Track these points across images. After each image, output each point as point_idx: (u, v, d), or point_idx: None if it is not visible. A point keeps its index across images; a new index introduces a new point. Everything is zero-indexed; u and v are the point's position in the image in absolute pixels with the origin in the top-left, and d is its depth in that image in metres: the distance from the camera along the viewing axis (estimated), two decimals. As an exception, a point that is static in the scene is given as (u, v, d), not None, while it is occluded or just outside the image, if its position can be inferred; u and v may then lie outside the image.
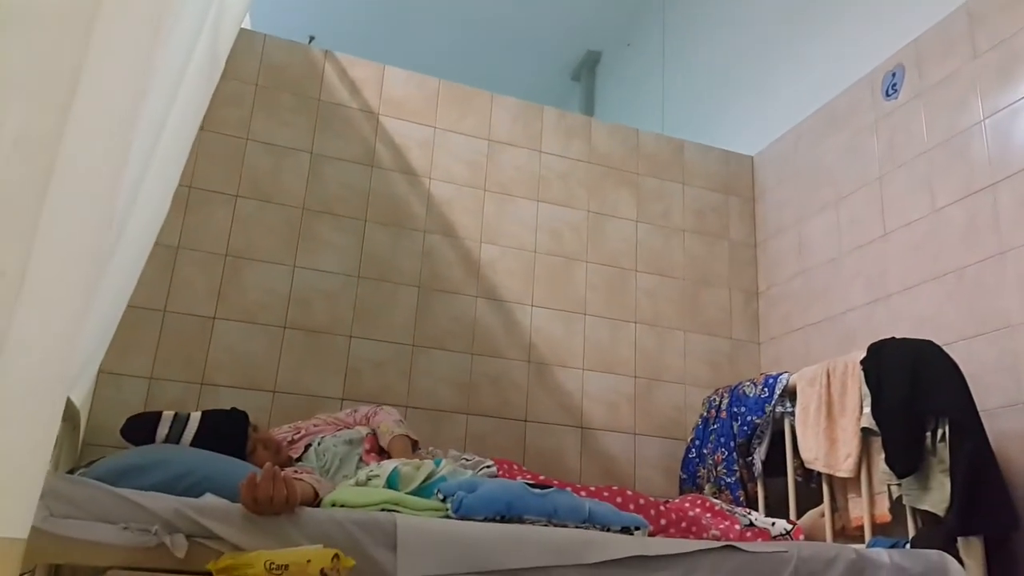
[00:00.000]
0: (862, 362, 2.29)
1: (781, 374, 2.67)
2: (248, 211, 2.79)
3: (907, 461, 2.06)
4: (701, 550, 1.62)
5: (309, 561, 1.24)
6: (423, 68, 3.24)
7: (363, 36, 5.02)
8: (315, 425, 2.23)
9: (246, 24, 3.12)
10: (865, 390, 2.26)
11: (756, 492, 2.67)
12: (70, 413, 2.14)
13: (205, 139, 2.77)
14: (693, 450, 2.93)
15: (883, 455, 2.15)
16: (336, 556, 1.26)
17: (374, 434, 2.20)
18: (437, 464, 1.77)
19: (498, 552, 1.47)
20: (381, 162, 3.01)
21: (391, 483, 1.68)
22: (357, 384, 2.75)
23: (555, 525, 1.61)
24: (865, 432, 2.24)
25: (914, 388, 2.11)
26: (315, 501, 1.56)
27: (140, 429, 1.90)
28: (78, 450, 2.29)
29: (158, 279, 2.61)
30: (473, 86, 3.26)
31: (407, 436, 2.24)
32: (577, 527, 1.62)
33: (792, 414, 2.57)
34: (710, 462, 2.82)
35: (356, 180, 2.96)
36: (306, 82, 3.00)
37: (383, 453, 2.16)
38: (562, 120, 3.36)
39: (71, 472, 2.10)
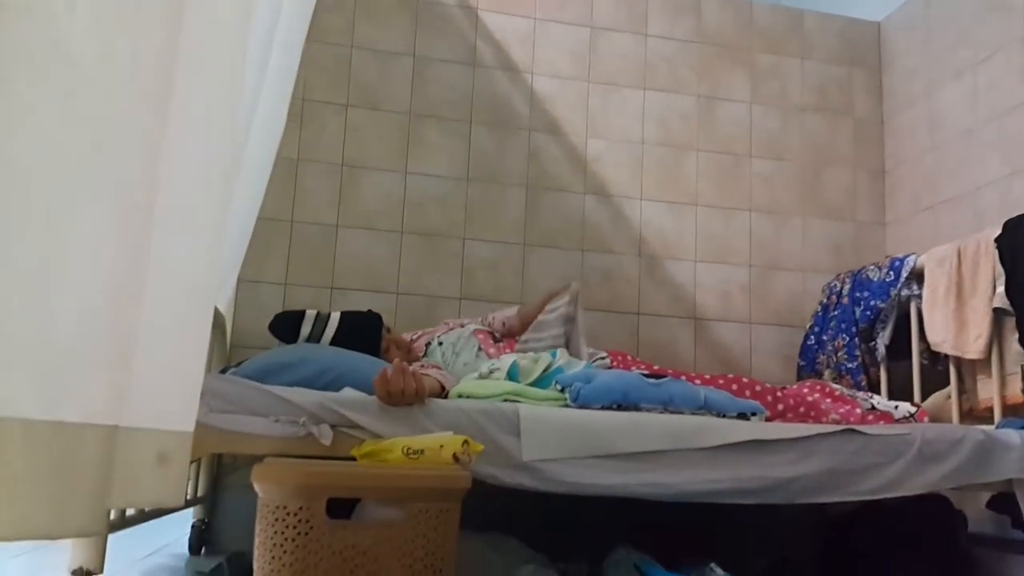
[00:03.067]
0: (996, 239, 2.18)
1: (908, 256, 2.58)
2: (359, 120, 2.88)
3: (1044, 341, 1.97)
4: (819, 434, 1.64)
5: (442, 447, 1.36)
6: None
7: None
8: (430, 330, 2.37)
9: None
10: (999, 269, 2.16)
11: (879, 377, 2.64)
12: (217, 319, 2.37)
13: (311, 50, 2.84)
14: (812, 337, 2.90)
15: (1016, 335, 2.07)
16: (466, 442, 1.37)
17: (486, 329, 2.31)
18: (553, 356, 1.85)
19: (615, 437, 1.55)
20: (483, 60, 3.01)
21: (511, 376, 1.77)
22: (473, 284, 2.86)
23: (671, 413, 1.67)
24: (998, 312, 2.16)
25: (1055, 265, 2.00)
26: (442, 394, 1.67)
27: (286, 325, 2.07)
28: (227, 352, 2.53)
29: (283, 191, 2.76)
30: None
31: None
32: (693, 414, 1.68)
33: (919, 297, 2.49)
34: (830, 348, 2.79)
35: (459, 81, 2.98)
36: (403, -19, 3.00)
37: (498, 342, 2.27)
38: (668, -2, 3.22)
39: (223, 372, 2.34)
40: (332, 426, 1.46)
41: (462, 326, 2.34)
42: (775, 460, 1.60)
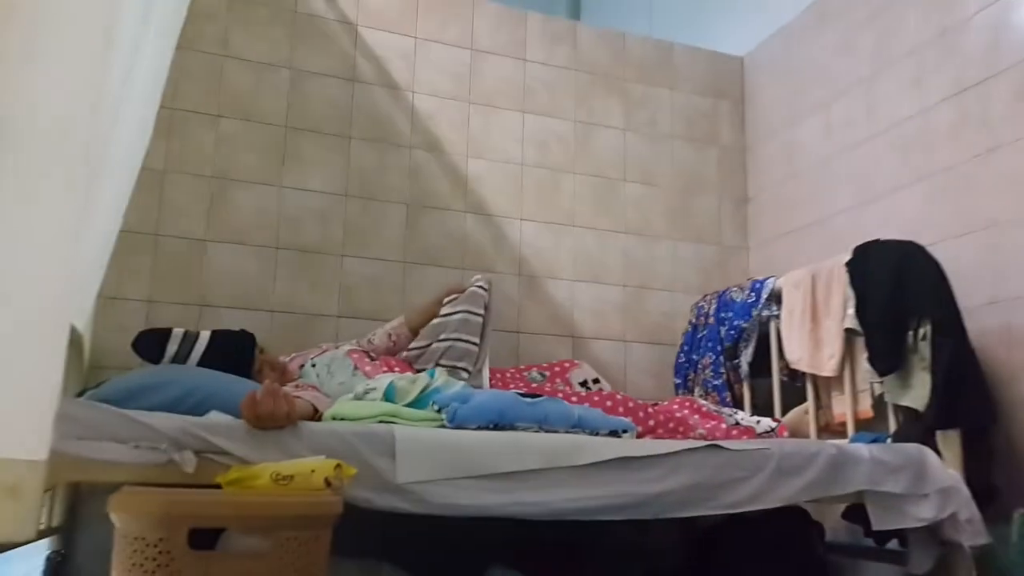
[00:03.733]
0: (847, 264, 2.35)
1: (768, 278, 2.74)
2: (231, 131, 2.79)
3: (889, 359, 2.14)
4: (685, 449, 1.71)
5: (313, 471, 1.32)
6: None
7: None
8: (304, 353, 2.31)
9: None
10: (849, 292, 2.32)
11: (742, 393, 2.78)
12: (74, 338, 2.21)
13: (182, 57, 2.72)
14: (683, 355, 3.03)
15: (866, 354, 2.24)
16: (338, 466, 1.34)
17: (360, 349, 2.28)
18: (431, 376, 1.85)
19: (491, 457, 1.56)
20: (363, 76, 2.99)
21: (388, 397, 1.76)
22: (352, 302, 2.81)
23: (546, 431, 1.70)
24: (849, 333, 2.32)
25: (897, 289, 2.17)
26: (315, 417, 1.63)
27: (150, 343, 1.97)
28: (84, 373, 2.37)
29: (148, 203, 2.63)
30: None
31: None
32: (567, 431, 1.71)
33: (778, 317, 2.65)
34: (699, 367, 2.92)
35: (338, 96, 2.94)
36: (281, -7, 2.94)
37: (373, 360, 2.24)
38: (547, 25, 3.31)
39: (80, 395, 2.19)
40: (196, 452, 1.40)
41: (336, 347, 2.30)
42: (643, 476, 1.65)
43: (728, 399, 2.80)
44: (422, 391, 1.78)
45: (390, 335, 2.39)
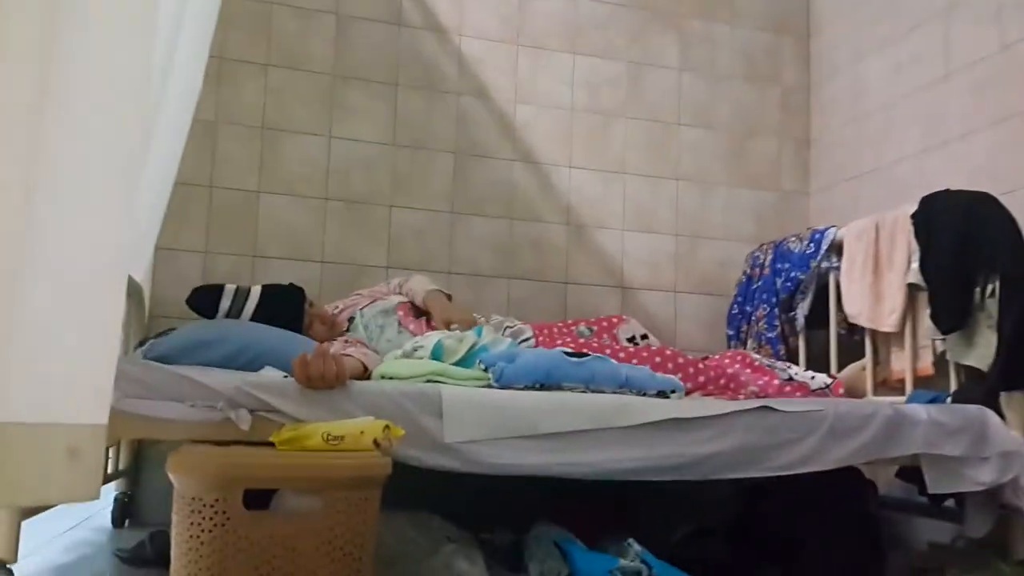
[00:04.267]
0: (913, 215, 2.26)
1: (828, 228, 2.66)
2: (279, 81, 2.79)
3: (953, 316, 2.08)
4: (735, 411, 1.70)
5: (362, 432, 1.36)
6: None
7: None
8: (352, 300, 2.34)
9: None
10: (914, 244, 2.25)
11: (797, 346, 2.74)
12: (134, 289, 2.29)
13: (228, 4, 2.71)
14: (736, 306, 2.98)
15: (929, 310, 2.18)
16: (387, 427, 1.38)
17: (408, 302, 2.30)
18: (478, 334, 1.86)
19: (537, 417, 1.58)
20: (409, 20, 2.94)
21: (435, 355, 1.78)
22: (400, 252, 2.83)
23: (593, 391, 1.71)
24: (912, 287, 2.26)
25: (966, 242, 2.09)
26: (364, 374, 1.67)
27: (205, 299, 2.03)
28: (145, 323, 2.46)
29: (201, 155, 2.67)
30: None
31: (440, 291, 2.34)
32: (614, 392, 1.72)
33: (838, 269, 2.58)
34: (753, 318, 2.88)
35: (384, 41, 2.91)
36: (325, -66, 2.89)
37: (420, 315, 2.27)
38: (600, -40, 3.19)
39: (140, 344, 2.28)
40: (251, 410, 1.45)
41: (384, 298, 2.32)
42: (692, 438, 1.65)
43: (782, 352, 2.76)
44: (469, 349, 1.79)
45: (408, 296, 2.39)
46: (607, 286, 3.04)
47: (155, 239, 2.34)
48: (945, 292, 2.11)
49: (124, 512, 2.31)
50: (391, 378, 1.64)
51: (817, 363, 2.65)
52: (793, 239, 2.78)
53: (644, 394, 1.74)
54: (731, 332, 3.00)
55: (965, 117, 2.56)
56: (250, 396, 1.44)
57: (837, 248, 2.60)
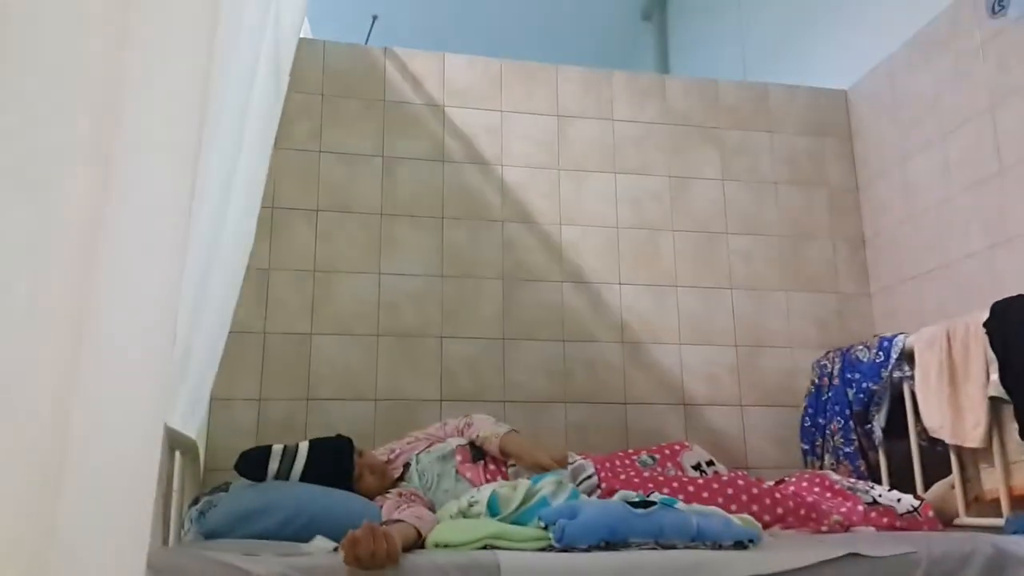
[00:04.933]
0: (985, 324, 2.10)
1: (896, 336, 2.50)
2: (329, 224, 2.82)
3: (1045, 433, 1.89)
4: (821, 561, 1.53)
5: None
6: (486, 39, 3.14)
7: (420, 23, 4.88)
8: (408, 443, 2.26)
9: (305, 32, 3.10)
10: (991, 355, 2.08)
11: (878, 461, 2.55)
12: (188, 445, 2.25)
13: (279, 157, 2.78)
14: (807, 419, 2.80)
15: (1016, 424, 1.99)
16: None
17: (466, 445, 2.20)
18: (535, 483, 1.75)
19: (605, 584, 1.44)
20: (451, 155, 2.97)
21: (491, 507, 1.67)
22: (453, 384, 2.76)
23: (662, 547, 1.57)
24: (994, 401, 2.07)
25: (1048, 350, 1.92)
26: (418, 541, 1.56)
27: (253, 463, 1.96)
28: (200, 478, 2.41)
29: (254, 302, 2.68)
30: (540, 44, 3.15)
31: (513, 430, 2.23)
32: (686, 547, 1.57)
33: (911, 379, 2.41)
34: (827, 432, 2.70)
35: (429, 177, 2.93)
36: (369, 84, 2.97)
37: (477, 461, 2.16)
38: (633, 82, 3.20)
39: (195, 502, 2.22)
40: (299, 597, 1.35)
41: (442, 440, 2.23)
42: (776, 595, 1.49)
43: (862, 468, 2.57)
44: (524, 499, 1.68)
45: (462, 432, 2.30)
46: (668, 404, 2.90)
47: (210, 388, 2.31)
48: (1034, 406, 1.92)
49: None
50: (446, 546, 1.53)
51: (900, 477, 2.46)
52: (861, 348, 2.62)
53: (719, 546, 1.59)
54: (806, 447, 2.81)
55: (1028, 212, 2.42)
56: (298, 582, 1.35)
57: (908, 356, 2.44)
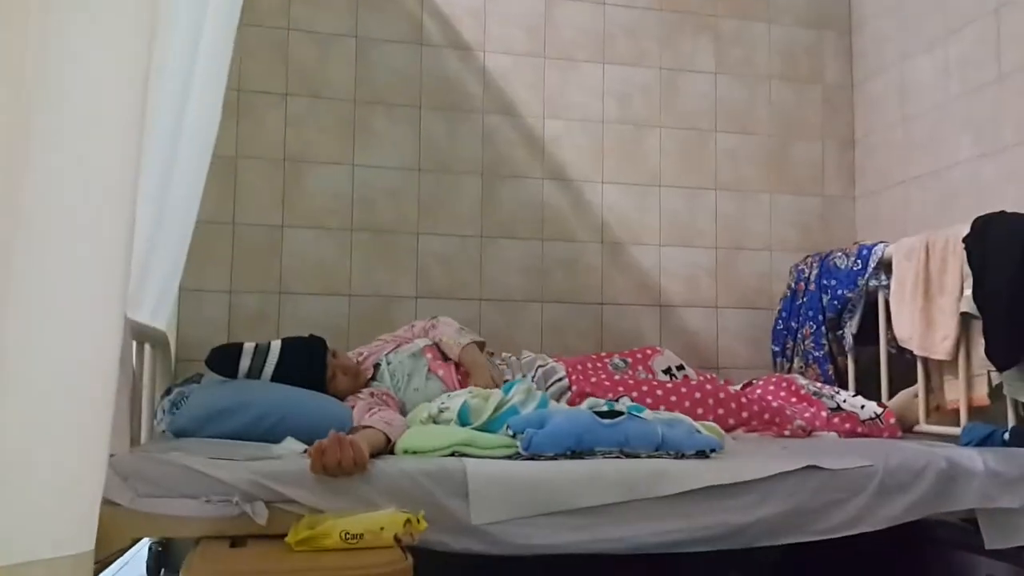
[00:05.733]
0: (965, 239, 2.12)
1: (876, 245, 2.52)
2: (300, 110, 2.74)
3: (1011, 353, 1.94)
4: (779, 473, 1.60)
5: (382, 528, 1.30)
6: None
7: None
8: (376, 346, 2.29)
9: None
10: (967, 270, 2.10)
11: (846, 366, 2.62)
12: (158, 337, 2.27)
13: (245, 34, 2.65)
14: (780, 322, 2.87)
15: (983, 340, 2.04)
16: (408, 520, 1.32)
17: (434, 345, 2.24)
18: (506, 392, 1.79)
19: (569, 492, 1.50)
20: (430, 38, 2.86)
21: (462, 416, 1.72)
22: (428, 281, 2.78)
23: (627, 455, 1.63)
24: (965, 316, 2.12)
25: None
26: (388, 447, 1.61)
27: (224, 360, 1.99)
28: (172, 370, 2.44)
29: (222, 192, 2.63)
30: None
31: (474, 342, 2.27)
32: (650, 456, 1.63)
33: (887, 287, 2.45)
34: (799, 336, 2.76)
35: (406, 63, 2.83)
36: (341, -45, 2.80)
37: (448, 360, 2.21)
38: (627, -38, 3.06)
39: (167, 392, 2.26)
40: (267, 502, 1.40)
41: (410, 341, 2.27)
42: (733, 504, 1.57)
43: (830, 372, 2.66)
44: (496, 409, 1.73)
45: (427, 332, 2.33)
46: (644, 305, 2.94)
47: (178, 279, 2.30)
48: (1001, 326, 1.97)
49: (159, 563, 2.30)
50: (414, 452, 1.58)
51: (867, 382, 2.55)
52: (839, 254, 2.65)
53: (682, 455, 1.66)
54: (776, 349, 2.88)
55: (1021, 123, 2.39)
56: (266, 488, 1.40)
57: (886, 266, 2.47)
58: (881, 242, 2.53)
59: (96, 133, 1.04)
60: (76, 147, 1.01)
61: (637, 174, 2.98)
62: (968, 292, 2.09)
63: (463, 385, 2.09)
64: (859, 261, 2.55)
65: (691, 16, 3.08)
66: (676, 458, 1.64)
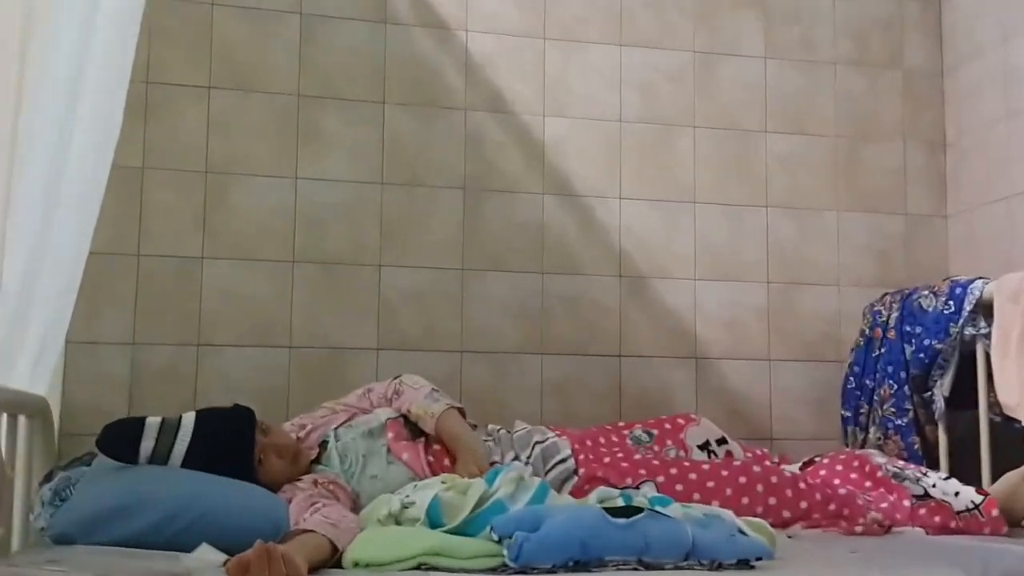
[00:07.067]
0: (1088, 276, 2.14)
1: (973, 282, 2.58)
2: (226, 107, 2.78)
3: None
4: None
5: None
6: None
7: None
8: (323, 417, 2.29)
9: None
10: (1091, 317, 2.13)
11: (936, 438, 2.66)
12: (36, 405, 2.27)
13: (156, 9, 2.67)
14: (852, 380, 2.91)
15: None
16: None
17: (399, 417, 2.24)
18: (490, 482, 1.79)
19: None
20: (397, 15, 2.92)
21: (432, 515, 1.71)
22: (393, 327, 2.81)
23: (646, 566, 1.62)
24: (1089, 377, 2.14)
25: None
26: (334, 557, 1.61)
27: (120, 443, 1.98)
28: (55, 447, 2.44)
29: (125, 214, 2.65)
30: None
31: (453, 407, 2.28)
32: (677, 568, 1.63)
33: (987, 337, 2.49)
34: (876, 398, 2.80)
35: (365, 45, 2.88)
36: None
37: (417, 438, 2.20)
38: (651, -80, 3.13)
39: (48, 477, 2.25)
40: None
41: (367, 412, 2.27)
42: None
43: (916, 446, 2.70)
44: (477, 505, 1.72)
45: (391, 401, 2.35)
46: (675, 357, 2.98)
47: (64, 330, 2.30)
48: None
49: None
50: (367, 565, 1.58)
51: (962, 460, 2.58)
52: (926, 293, 2.68)
53: (719, 565, 1.65)
54: (847, 414, 2.92)
55: None
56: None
57: (985, 308, 2.51)
58: (979, 278, 2.57)
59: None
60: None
61: (664, 188, 3.03)
62: (1092, 346, 2.11)
63: (436, 471, 2.09)
64: (951, 302, 2.59)
65: (733, -14, 3.15)
66: (711, 570, 1.64)
